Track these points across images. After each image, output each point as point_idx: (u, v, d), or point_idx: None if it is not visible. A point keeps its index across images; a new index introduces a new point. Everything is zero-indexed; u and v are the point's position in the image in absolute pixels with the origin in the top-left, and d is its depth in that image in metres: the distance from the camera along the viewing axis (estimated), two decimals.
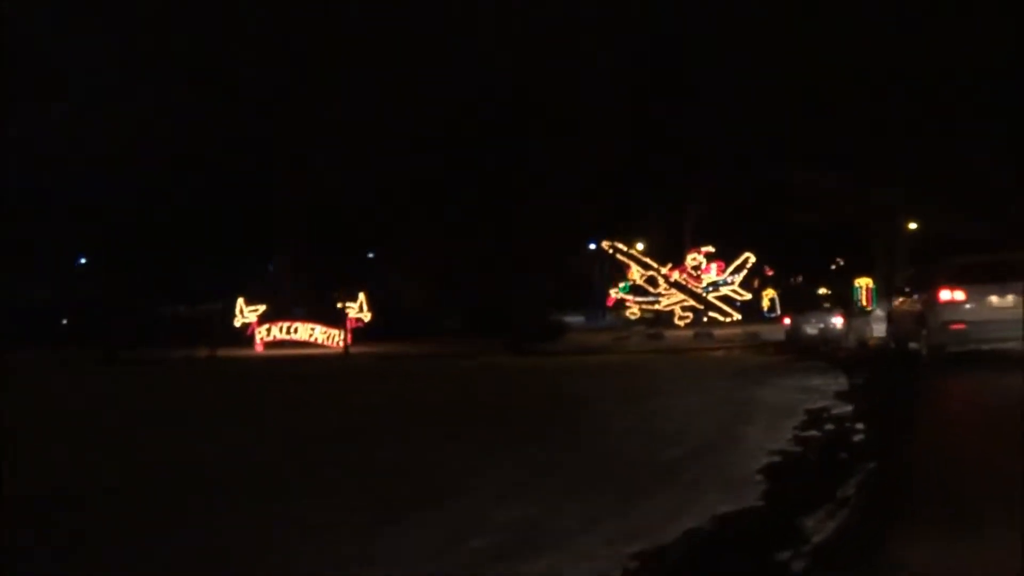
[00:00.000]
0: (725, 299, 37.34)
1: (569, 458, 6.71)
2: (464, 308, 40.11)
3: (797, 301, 32.15)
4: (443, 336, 35.32)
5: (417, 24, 34.10)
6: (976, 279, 12.80)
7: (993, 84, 27.77)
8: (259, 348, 36.75)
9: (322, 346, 35.74)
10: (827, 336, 22.98)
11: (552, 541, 4.47)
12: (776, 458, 6.60)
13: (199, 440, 8.29)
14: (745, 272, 37.41)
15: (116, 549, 4.70)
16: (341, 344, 37.04)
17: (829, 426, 8.05)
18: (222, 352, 28.89)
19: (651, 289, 37.86)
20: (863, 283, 35.59)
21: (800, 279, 50.92)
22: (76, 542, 4.86)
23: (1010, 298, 12.43)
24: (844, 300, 30.35)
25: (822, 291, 36.19)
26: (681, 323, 36.89)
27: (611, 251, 38.21)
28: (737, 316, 36.81)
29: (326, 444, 7.91)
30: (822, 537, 4.44)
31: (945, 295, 12.84)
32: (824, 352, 20.05)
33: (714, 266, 37.33)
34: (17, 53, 30.55)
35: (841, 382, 11.32)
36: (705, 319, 36.71)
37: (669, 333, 33.17)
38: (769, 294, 44.75)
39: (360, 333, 37.49)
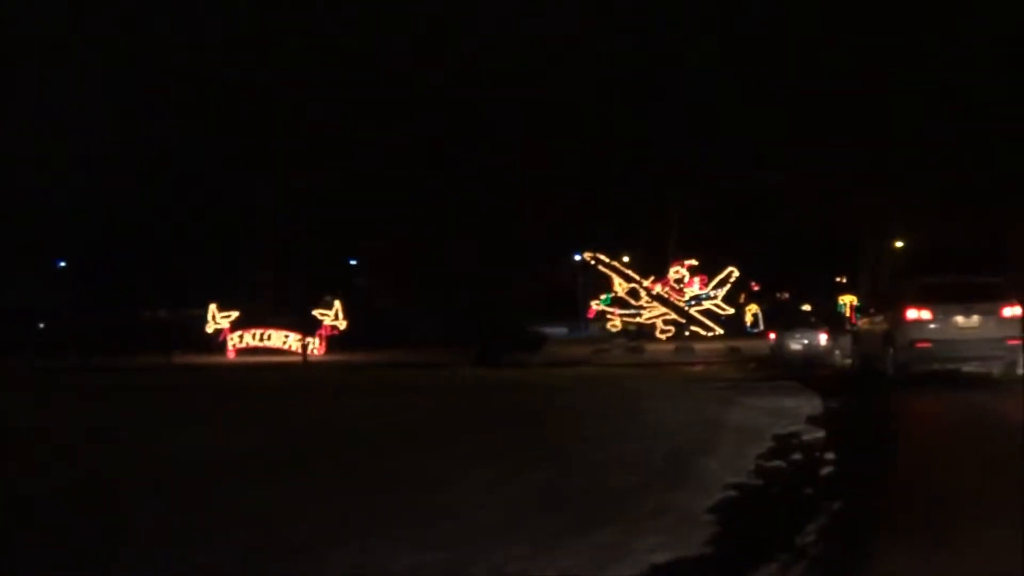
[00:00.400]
0: (708, 313, 36.80)
1: (503, 490, 5.99)
2: (444, 318, 39.43)
3: (782, 317, 31.76)
4: (421, 346, 34.58)
5: (395, 30, 33.67)
6: (942, 299, 13.04)
7: (986, 92, 27.53)
8: (231, 355, 35.94)
9: (296, 354, 34.99)
10: (811, 352, 22.64)
11: None
12: (733, 493, 5.92)
13: None
14: (728, 286, 36.90)
15: None
16: (315, 352, 36.29)
17: (796, 455, 7.38)
18: (184, 359, 28.07)
19: (633, 301, 37.30)
20: (847, 300, 35.28)
21: (786, 295, 50.58)
22: None
23: (975, 318, 12.80)
24: (829, 316, 29.89)
25: (806, 307, 35.78)
26: (662, 336, 36.34)
27: (593, 262, 37.64)
28: (719, 331, 36.27)
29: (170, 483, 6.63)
30: None
31: (912, 314, 13.04)
32: (806, 370, 19.60)
33: (697, 280, 36.82)
34: None
35: (815, 404, 10.66)
36: (687, 333, 36.15)
37: (650, 347, 32.63)
38: (752, 309, 44.22)
39: (336, 341, 36.77)
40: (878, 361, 14.34)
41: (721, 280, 36.73)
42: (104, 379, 17.52)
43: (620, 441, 7.86)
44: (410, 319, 39.89)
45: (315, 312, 36.60)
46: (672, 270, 37.16)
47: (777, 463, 7.09)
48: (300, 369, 24.44)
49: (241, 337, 36.74)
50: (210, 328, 37.04)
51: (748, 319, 43.27)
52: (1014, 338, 12.87)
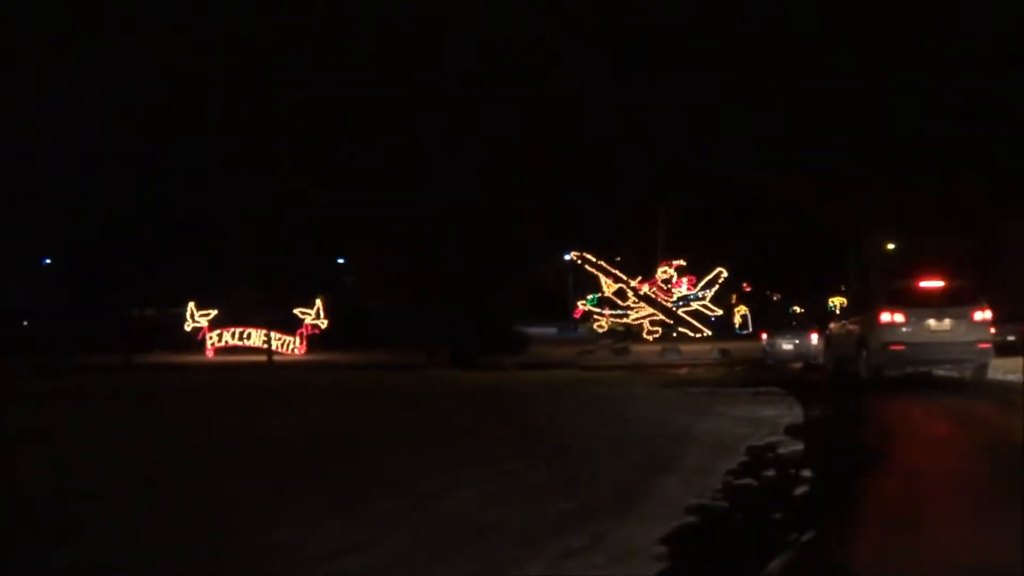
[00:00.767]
0: (696, 314, 36.17)
1: (418, 516, 5.22)
2: (431, 318, 38.76)
3: (773, 318, 31.36)
4: (404, 346, 33.89)
5: (384, 29, 33.09)
6: (915, 302, 13.24)
7: (985, 92, 27.33)
8: (210, 354, 35.27)
9: (277, 352, 34.27)
10: (803, 353, 22.64)
11: None
12: (692, 519, 5.18)
13: None
14: (717, 287, 36.29)
15: None
16: (296, 351, 35.59)
17: (770, 472, 6.64)
18: (159, 358, 27.32)
19: (620, 302, 36.66)
20: (837, 301, 34.76)
21: (778, 296, 50.10)
22: None
23: (947, 321, 12.98)
24: (820, 317, 29.38)
25: (796, 308, 35.31)
26: (650, 337, 35.72)
27: (579, 262, 36.98)
28: (707, 332, 35.66)
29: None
30: None
31: (885, 317, 13.15)
32: (798, 372, 19.57)
33: (685, 280, 36.20)
34: None
35: (796, 412, 9.94)
36: (675, 334, 35.51)
37: (636, 348, 32.07)
38: (741, 310, 43.60)
39: (318, 340, 36.14)
40: (851, 364, 14.39)
41: (709, 281, 36.14)
42: (46, 383, 16.57)
43: (569, 457, 7.09)
44: (397, 319, 39.19)
45: (296, 311, 35.93)
46: (660, 270, 36.53)
47: (748, 481, 6.36)
48: (263, 370, 23.53)
49: (220, 336, 36.09)
50: (188, 327, 36.39)
51: (737, 320, 42.68)
52: (985, 341, 13.12)
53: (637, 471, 6.49)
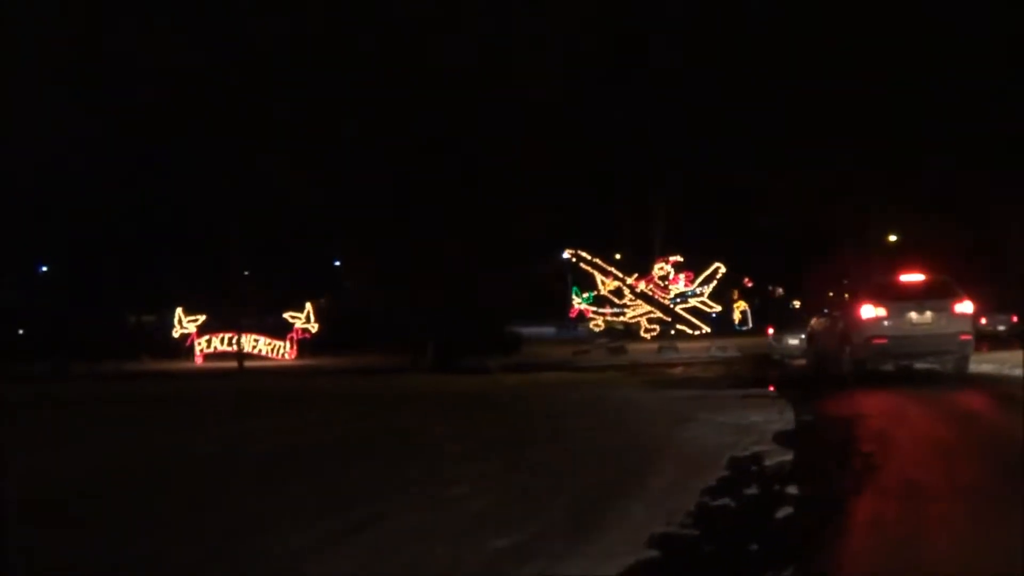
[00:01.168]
0: (694, 311, 35.45)
1: (323, 559, 4.49)
2: (426, 319, 38.16)
3: (775, 314, 30.87)
4: (396, 348, 33.30)
5: (384, 29, 32.63)
6: (896, 296, 13.40)
7: (984, 92, 27.20)
8: (199, 360, 34.73)
9: (266, 358, 33.73)
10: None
11: None
12: (654, 553, 4.45)
13: None
14: (715, 283, 35.59)
15: None
16: (286, 356, 35.01)
17: (752, 490, 5.91)
18: (144, 365, 26.77)
19: (617, 300, 35.96)
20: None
21: (780, 291, 49.43)
22: None
23: (928, 314, 13.10)
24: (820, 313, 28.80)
25: (796, 303, 34.73)
26: (647, 336, 35.03)
27: (575, 259, 36.31)
28: (706, 329, 34.98)
29: None
30: None
31: (868, 311, 13.24)
32: (799, 369, 19.20)
33: (683, 276, 35.51)
34: None
35: (787, 418, 9.21)
36: (673, 332, 34.82)
37: (633, 346, 31.44)
38: (740, 307, 42.86)
39: (309, 344, 35.62)
40: (833, 359, 14.42)
41: (707, 277, 35.46)
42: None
43: (524, 476, 6.34)
44: (397, 320, 38.63)
45: (285, 315, 35.38)
46: (656, 266, 35.85)
47: (725, 501, 5.63)
48: (233, 377, 22.77)
49: (209, 342, 35.56)
50: (177, 333, 35.90)
51: (736, 316, 41.97)
52: (966, 333, 13.26)
53: (601, 491, 5.75)
